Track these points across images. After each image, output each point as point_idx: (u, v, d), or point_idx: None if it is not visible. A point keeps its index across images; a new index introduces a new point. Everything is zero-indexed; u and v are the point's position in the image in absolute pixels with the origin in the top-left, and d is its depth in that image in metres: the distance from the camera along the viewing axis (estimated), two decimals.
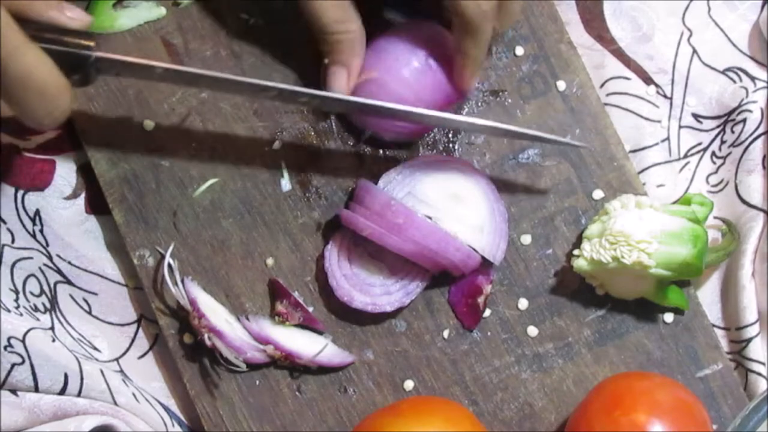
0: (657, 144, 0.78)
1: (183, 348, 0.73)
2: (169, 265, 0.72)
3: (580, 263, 0.71)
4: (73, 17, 0.62)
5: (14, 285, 0.72)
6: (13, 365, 0.66)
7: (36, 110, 0.59)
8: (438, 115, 0.69)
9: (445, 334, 0.74)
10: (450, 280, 0.74)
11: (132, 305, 0.76)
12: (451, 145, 0.75)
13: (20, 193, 0.74)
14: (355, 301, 0.72)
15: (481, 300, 0.73)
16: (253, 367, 0.72)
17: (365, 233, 0.70)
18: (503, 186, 0.75)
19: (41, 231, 0.74)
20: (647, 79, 0.78)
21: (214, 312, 0.72)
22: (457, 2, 0.65)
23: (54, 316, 0.73)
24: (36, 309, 0.72)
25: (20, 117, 0.59)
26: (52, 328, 0.72)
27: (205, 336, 0.70)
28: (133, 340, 0.76)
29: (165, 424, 0.72)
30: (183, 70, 0.66)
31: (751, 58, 0.78)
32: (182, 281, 0.72)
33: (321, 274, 0.73)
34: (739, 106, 0.77)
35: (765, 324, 0.74)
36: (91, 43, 0.62)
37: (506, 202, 0.74)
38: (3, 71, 0.56)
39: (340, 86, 0.69)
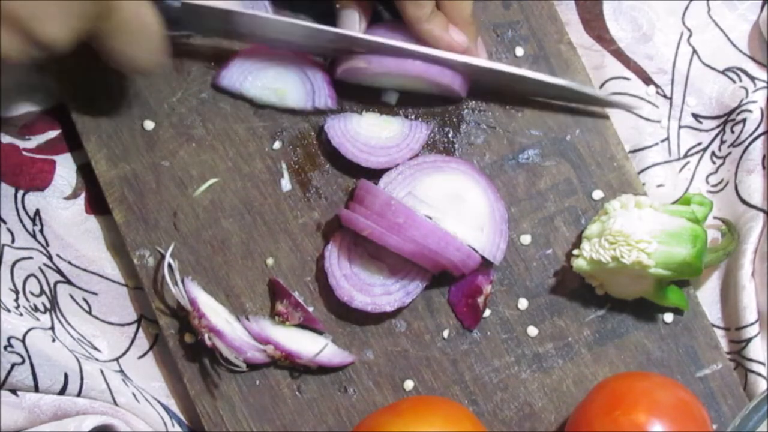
0: (657, 144, 0.78)
1: (183, 348, 0.73)
2: (169, 265, 0.72)
3: (579, 263, 0.71)
4: None
5: (14, 285, 0.72)
6: (13, 365, 0.66)
7: (140, 52, 0.66)
8: (460, 59, 0.70)
9: (445, 334, 0.74)
10: (450, 280, 0.74)
11: (132, 305, 0.76)
12: (450, 145, 0.75)
13: (20, 193, 0.74)
14: (355, 301, 0.72)
15: (481, 300, 0.73)
16: (253, 367, 0.72)
17: (365, 233, 0.70)
18: (503, 186, 0.75)
19: (41, 231, 0.74)
20: (647, 80, 0.79)
21: (215, 312, 0.72)
22: None
23: (54, 316, 0.73)
24: (36, 309, 0.72)
25: (121, 60, 0.66)
26: (52, 328, 0.72)
27: (205, 336, 0.70)
28: (133, 340, 0.76)
29: (165, 424, 0.72)
30: (261, 15, 0.70)
31: (751, 58, 0.78)
32: (182, 281, 0.72)
33: (321, 274, 0.73)
34: (739, 106, 0.77)
35: (765, 324, 0.74)
36: None
37: (506, 202, 0.74)
38: (118, 11, 0.62)
39: (352, 27, 0.71)
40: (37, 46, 0.60)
